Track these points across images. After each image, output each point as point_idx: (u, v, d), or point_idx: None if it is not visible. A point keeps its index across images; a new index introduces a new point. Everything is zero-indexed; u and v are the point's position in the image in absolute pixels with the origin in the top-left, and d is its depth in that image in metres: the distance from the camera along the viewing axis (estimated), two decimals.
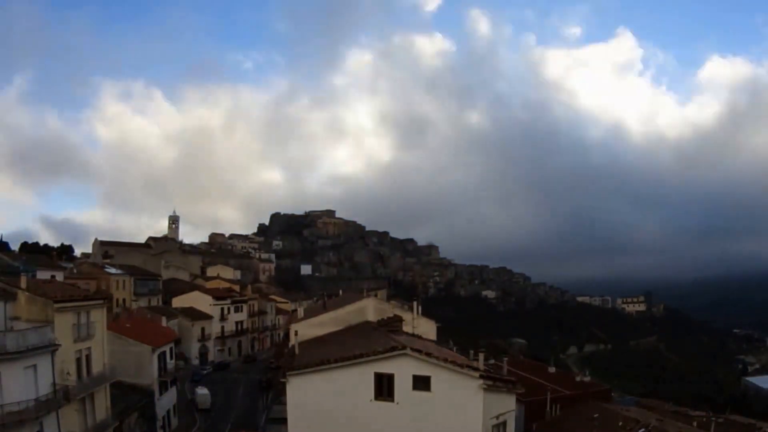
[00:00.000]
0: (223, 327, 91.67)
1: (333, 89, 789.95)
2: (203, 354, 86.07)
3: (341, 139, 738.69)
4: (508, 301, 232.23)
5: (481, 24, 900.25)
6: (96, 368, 37.54)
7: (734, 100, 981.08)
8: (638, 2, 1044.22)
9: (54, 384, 31.68)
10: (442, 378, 23.90)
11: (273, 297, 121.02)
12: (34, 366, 30.26)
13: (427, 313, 46.91)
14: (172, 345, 56.15)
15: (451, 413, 23.67)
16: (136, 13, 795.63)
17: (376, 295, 52.07)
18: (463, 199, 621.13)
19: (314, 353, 28.99)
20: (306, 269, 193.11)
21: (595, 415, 34.07)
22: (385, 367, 24.37)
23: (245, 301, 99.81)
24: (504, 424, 24.99)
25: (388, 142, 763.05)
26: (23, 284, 33.52)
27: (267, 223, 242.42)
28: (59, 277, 64.10)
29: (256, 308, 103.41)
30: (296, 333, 37.06)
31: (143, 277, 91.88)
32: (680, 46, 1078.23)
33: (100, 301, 40.30)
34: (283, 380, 26.30)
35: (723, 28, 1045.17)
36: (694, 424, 35.10)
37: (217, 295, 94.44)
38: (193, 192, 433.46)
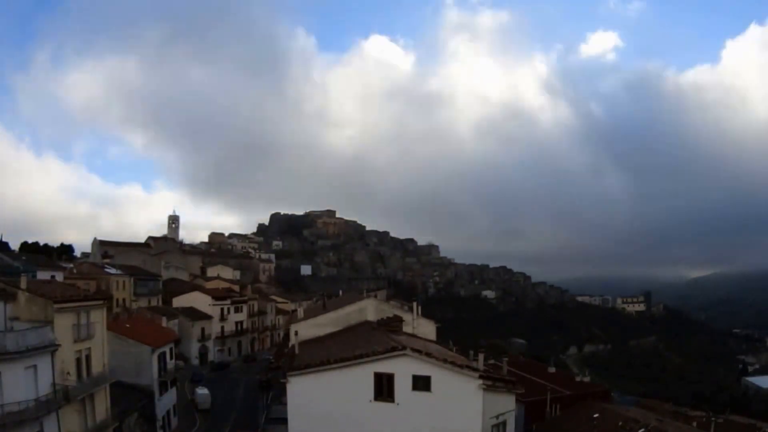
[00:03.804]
0: (223, 327, 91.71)
1: None
2: (203, 354, 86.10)
3: None
4: (508, 301, 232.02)
5: None
6: (96, 368, 37.52)
7: None
8: None
9: (54, 384, 31.67)
10: (441, 378, 23.91)
11: (273, 297, 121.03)
12: (34, 366, 30.27)
13: (427, 313, 46.91)
14: (172, 345, 56.12)
15: (450, 413, 23.65)
16: None
17: (375, 296, 52.02)
18: None
19: (314, 353, 28.98)
20: (306, 269, 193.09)
21: (595, 415, 34.01)
22: (385, 368, 24.36)
23: (245, 301, 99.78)
24: (504, 424, 24.98)
25: None
26: (23, 284, 33.49)
27: (267, 222, 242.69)
28: (59, 277, 64.09)
29: (256, 308, 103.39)
30: (296, 333, 37.07)
31: (143, 277, 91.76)
32: None
33: (100, 302, 40.31)
34: (283, 380, 26.32)
35: None
36: (694, 424, 35.15)
37: (217, 296, 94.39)
38: None
